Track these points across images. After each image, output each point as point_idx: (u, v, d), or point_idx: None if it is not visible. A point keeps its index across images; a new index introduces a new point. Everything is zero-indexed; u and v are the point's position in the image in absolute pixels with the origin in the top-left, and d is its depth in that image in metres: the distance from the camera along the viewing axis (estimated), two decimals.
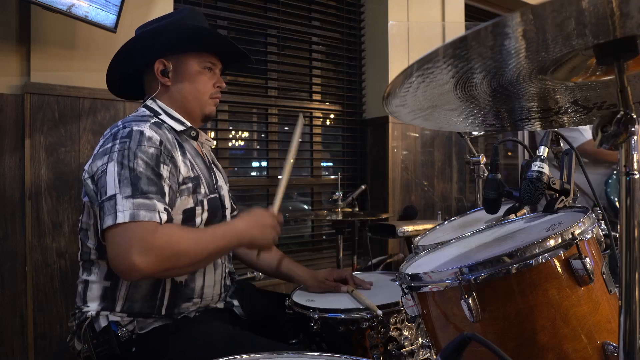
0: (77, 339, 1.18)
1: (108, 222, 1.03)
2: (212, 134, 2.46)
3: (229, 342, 1.14)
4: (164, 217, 1.07)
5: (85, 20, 1.65)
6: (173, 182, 1.16)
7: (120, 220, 1.02)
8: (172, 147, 1.19)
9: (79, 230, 1.24)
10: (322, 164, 2.93)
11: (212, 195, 1.28)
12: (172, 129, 1.26)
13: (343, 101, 2.95)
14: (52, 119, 1.76)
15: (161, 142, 1.16)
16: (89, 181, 1.15)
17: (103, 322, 1.14)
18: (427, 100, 0.81)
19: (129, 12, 1.79)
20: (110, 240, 1.03)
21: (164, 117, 1.27)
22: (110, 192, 1.06)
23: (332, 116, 2.96)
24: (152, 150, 1.12)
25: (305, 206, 2.96)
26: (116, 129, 1.17)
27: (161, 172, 1.12)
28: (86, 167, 1.18)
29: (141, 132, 1.14)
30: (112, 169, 1.08)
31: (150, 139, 1.14)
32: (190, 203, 1.21)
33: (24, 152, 1.71)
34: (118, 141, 1.12)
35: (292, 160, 1.50)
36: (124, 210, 1.03)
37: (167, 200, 1.11)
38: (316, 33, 2.85)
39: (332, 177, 2.93)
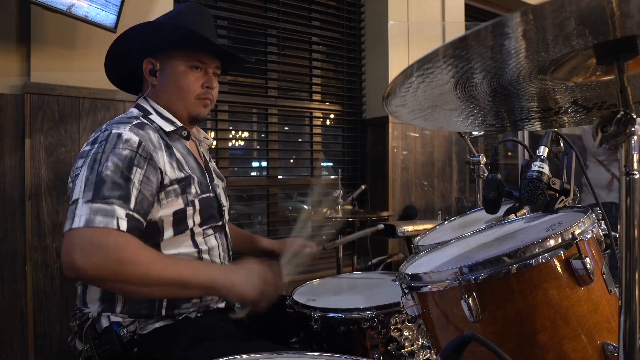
0: (79, 339, 1.18)
1: (66, 227, 1.03)
2: (212, 134, 2.46)
3: (230, 342, 1.14)
4: (123, 223, 1.04)
5: (85, 20, 1.65)
6: (147, 186, 1.12)
7: (75, 225, 1.01)
8: (155, 148, 1.17)
9: None
10: (322, 164, 2.93)
11: (204, 195, 1.26)
12: (160, 129, 1.24)
13: (343, 101, 2.95)
14: (52, 119, 1.76)
15: (140, 143, 1.14)
16: (70, 184, 1.16)
17: (105, 323, 1.14)
18: (427, 100, 0.81)
19: (129, 12, 1.79)
20: (63, 243, 1.02)
21: (154, 116, 1.26)
22: (74, 197, 1.06)
23: (332, 116, 2.96)
24: (126, 152, 1.11)
25: (305, 206, 2.96)
26: (99, 132, 1.17)
27: (131, 176, 1.09)
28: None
29: (119, 135, 1.13)
30: (82, 174, 1.09)
31: (127, 141, 1.12)
32: (180, 204, 1.19)
33: (24, 152, 1.71)
34: (96, 145, 1.13)
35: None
36: (81, 215, 1.02)
37: (132, 205, 1.07)
38: (316, 33, 2.85)
39: (332, 177, 2.92)
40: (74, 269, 0.98)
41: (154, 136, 1.20)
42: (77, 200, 1.05)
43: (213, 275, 1.11)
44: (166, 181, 1.17)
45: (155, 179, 1.15)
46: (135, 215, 1.08)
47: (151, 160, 1.15)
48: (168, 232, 1.19)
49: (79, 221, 1.01)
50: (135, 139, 1.14)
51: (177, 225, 1.19)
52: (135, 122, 1.20)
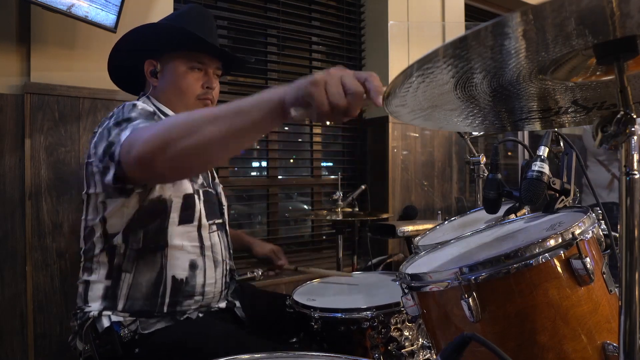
0: (79, 339, 1.18)
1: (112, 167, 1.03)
2: None
3: (231, 344, 1.14)
4: None
5: (85, 20, 1.65)
6: None
7: (118, 149, 1.01)
8: None
9: (84, 229, 1.23)
10: (322, 164, 2.93)
11: (208, 189, 1.31)
12: None
13: None
14: (52, 119, 1.76)
15: (153, 112, 1.20)
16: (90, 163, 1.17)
17: (106, 323, 1.14)
18: (427, 100, 0.81)
19: (129, 12, 1.78)
20: (127, 167, 1.00)
21: (157, 114, 1.28)
22: (102, 149, 1.07)
23: None
24: (144, 111, 1.15)
25: (305, 206, 2.96)
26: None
27: (154, 119, 1.15)
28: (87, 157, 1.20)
29: (134, 104, 1.17)
30: (109, 133, 1.08)
31: (143, 108, 1.17)
32: (189, 189, 1.23)
33: (24, 152, 1.71)
34: (113, 116, 1.15)
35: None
36: (120, 141, 1.01)
37: None
38: (316, 33, 2.85)
39: (332, 177, 2.92)
40: (136, 160, 0.94)
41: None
42: (112, 143, 1.04)
43: (263, 92, 0.91)
44: None
45: None
46: None
47: None
48: (174, 216, 1.20)
49: (121, 145, 1.00)
50: (148, 107, 1.19)
51: (185, 210, 1.21)
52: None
